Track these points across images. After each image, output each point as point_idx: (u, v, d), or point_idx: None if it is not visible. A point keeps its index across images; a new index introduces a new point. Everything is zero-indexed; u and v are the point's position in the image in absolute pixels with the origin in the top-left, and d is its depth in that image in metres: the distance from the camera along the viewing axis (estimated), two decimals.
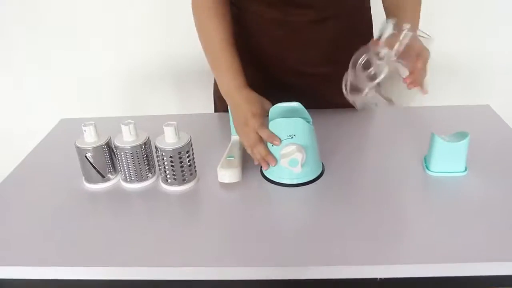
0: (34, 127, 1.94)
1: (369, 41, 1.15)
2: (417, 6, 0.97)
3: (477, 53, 1.76)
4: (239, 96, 0.90)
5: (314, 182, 0.87)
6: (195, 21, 1.01)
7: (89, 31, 1.78)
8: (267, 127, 0.84)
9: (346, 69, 1.10)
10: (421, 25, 1.68)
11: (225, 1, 0.99)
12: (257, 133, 0.85)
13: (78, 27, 1.77)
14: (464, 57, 1.77)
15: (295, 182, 0.86)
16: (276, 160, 0.84)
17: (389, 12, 0.98)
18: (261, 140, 0.85)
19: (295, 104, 0.84)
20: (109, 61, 1.86)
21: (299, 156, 0.81)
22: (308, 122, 0.84)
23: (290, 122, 0.83)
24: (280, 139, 0.82)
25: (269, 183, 0.87)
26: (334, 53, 1.00)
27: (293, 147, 0.82)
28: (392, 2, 0.98)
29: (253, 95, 0.90)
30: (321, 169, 0.90)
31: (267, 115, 0.86)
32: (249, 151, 0.88)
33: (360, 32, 1.08)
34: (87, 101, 1.95)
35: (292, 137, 0.83)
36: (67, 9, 1.73)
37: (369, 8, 1.09)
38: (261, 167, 0.90)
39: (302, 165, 0.82)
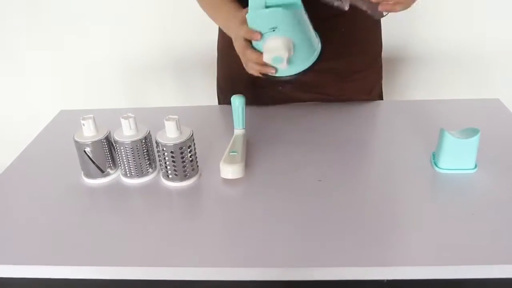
0: (34, 114, 1.93)
1: (374, 49, 1.12)
2: None
3: (485, 44, 1.73)
4: (232, 18, 0.85)
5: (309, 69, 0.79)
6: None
7: (91, 19, 1.75)
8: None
9: (353, 62, 1.08)
10: (425, 17, 1.65)
11: None
12: (244, 40, 0.78)
13: (80, 15, 1.74)
14: (472, 48, 1.73)
15: (288, 74, 0.78)
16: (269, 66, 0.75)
17: None
18: (249, 45, 0.78)
19: None
20: (111, 50, 1.83)
21: (283, 54, 0.71)
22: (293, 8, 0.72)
23: (270, 13, 0.71)
24: (260, 33, 0.72)
25: (274, 176, 0.85)
26: (343, 47, 0.98)
27: (277, 42, 0.71)
28: None
29: (243, 10, 0.83)
30: (316, 52, 0.80)
31: None
32: (249, 70, 0.82)
33: (367, 25, 1.05)
34: (88, 89, 1.93)
35: (273, 30, 0.72)
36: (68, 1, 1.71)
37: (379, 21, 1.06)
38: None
39: (290, 60, 0.73)
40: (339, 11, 0.93)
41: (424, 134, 0.96)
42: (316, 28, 0.86)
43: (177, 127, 0.80)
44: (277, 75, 0.79)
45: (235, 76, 1.12)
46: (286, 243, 0.70)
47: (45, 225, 0.77)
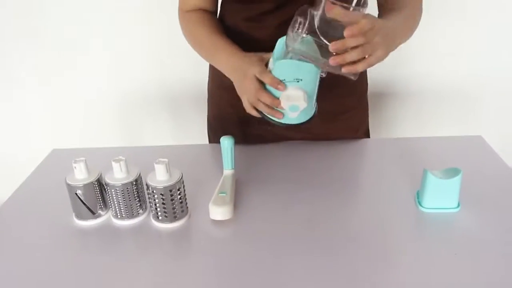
0: (28, 149, 1.94)
1: (361, 88, 1.15)
2: (410, 19, 0.92)
3: (469, 78, 1.78)
4: (236, 60, 0.88)
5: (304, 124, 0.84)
6: (185, 34, 1.02)
7: (86, 55, 1.79)
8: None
9: (344, 104, 1.09)
10: (412, 50, 1.70)
11: (213, 17, 1.01)
12: (257, 81, 0.81)
13: (76, 51, 1.78)
14: (456, 82, 1.78)
15: (287, 122, 0.82)
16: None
17: (384, 12, 0.94)
18: (263, 88, 0.81)
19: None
20: (105, 86, 1.86)
21: (302, 105, 0.77)
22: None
23: (300, 65, 0.76)
24: (284, 84, 0.76)
25: (262, 216, 0.87)
26: (332, 89, 0.99)
27: (300, 93, 0.77)
28: (388, 7, 0.94)
29: (250, 53, 0.88)
30: (314, 111, 0.86)
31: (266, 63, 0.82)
32: (252, 112, 0.84)
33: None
34: (82, 124, 1.95)
35: (298, 81, 0.77)
36: (65, 34, 1.74)
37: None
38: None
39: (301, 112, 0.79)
40: None
41: (409, 172, 0.99)
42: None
43: (167, 170, 0.82)
44: (281, 121, 0.82)
45: (225, 116, 1.15)
46: (275, 284, 0.71)
47: (35, 267, 0.77)
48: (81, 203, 0.85)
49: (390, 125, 1.88)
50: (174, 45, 1.71)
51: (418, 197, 0.89)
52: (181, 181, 0.83)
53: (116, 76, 1.84)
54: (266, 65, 0.83)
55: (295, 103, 0.77)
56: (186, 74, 1.79)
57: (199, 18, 1.01)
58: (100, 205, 0.88)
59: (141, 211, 0.88)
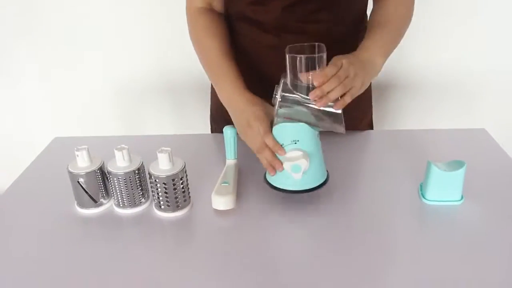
0: (30, 138, 1.94)
1: None
2: (397, 34, 0.97)
3: (473, 73, 1.77)
4: (240, 100, 0.89)
5: (316, 190, 0.84)
6: (193, 43, 1.01)
7: (87, 45, 1.78)
8: (271, 132, 0.83)
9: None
10: (415, 46, 1.69)
11: (221, 21, 0.99)
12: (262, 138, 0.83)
13: (76, 41, 1.77)
14: (459, 75, 1.77)
15: (297, 188, 0.83)
16: (282, 165, 0.81)
17: (369, 28, 0.97)
18: (266, 145, 0.83)
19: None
20: (106, 75, 1.86)
21: (303, 163, 0.79)
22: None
23: (294, 127, 0.81)
24: (284, 149, 0.80)
25: (265, 207, 0.87)
26: None
27: (299, 153, 0.80)
28: (376, 19, 0.98)
29: (255, 98, 0.89)
30: (326, 177, 0.87)
31: (271, 119, 0.84)
32: (257, 155, 0.86)
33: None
34: (83, 113, 1.95)
35: (295, 142, 0.81)
36: (66, 25, 1.73)
37: (365, 27, 1.09)
38: (265, 174, 0.89)
39: (304, 172, 0.81)
40: (325, 40, 0.97)
41: (412, 164, 0.98)
42: None
43: (170, 159, 0.82)
44: (289, 188, 0.84)
45: None
46: (277, 275, 0.71)
47: (37, 255, 0.77)
48: (83, 191, 0.85)
49: (393, 117, 1.88)
50: (176, 34, 1.71)
51: (421, 189, 0.89)
52: (183, 170, 0.83)
53: (117, 66, 1.83)
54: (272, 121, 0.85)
55: (296, 163, 0.79)
56: (188, 63, 1.78)
57: (208, 25, 0.99)
58: (102, 193, 0.88)
59: (143, 200, 0.88)
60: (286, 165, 0.80)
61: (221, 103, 1.17)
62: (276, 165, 0.82)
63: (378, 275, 0.71)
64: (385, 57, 0.92)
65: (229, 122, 0.96)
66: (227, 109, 0.94)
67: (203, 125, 1.30)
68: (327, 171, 0.89)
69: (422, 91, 1.81)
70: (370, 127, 1.25)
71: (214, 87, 1.00)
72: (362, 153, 1.08)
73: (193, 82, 1.81)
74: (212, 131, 1.25)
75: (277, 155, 0.82)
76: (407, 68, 1.77)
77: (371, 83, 1.20)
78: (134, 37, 1.77)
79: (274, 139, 0.82)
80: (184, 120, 1.94)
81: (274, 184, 0.86)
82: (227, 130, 0.94)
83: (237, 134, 0.94)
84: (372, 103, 1.25)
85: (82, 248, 0.79)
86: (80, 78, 1.86)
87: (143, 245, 0.79)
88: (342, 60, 0.80)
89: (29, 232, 0.83)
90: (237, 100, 0.90)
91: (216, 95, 1.18)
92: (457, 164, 0.85)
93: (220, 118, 1.17)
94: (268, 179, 0.88)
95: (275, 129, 0.83)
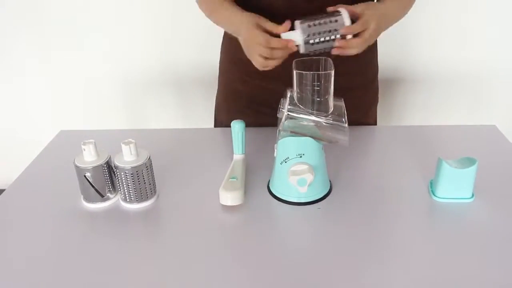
0: (35, 131, 1.94)
1: (370, 71, 1.15)
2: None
3: (482, 67, 1.75)
4: (239, 17, 0.92)
5: (319, 203, 0.86)
6: (202, 9, 1.03)
7: (91, 37, 1.77)
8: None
9: (349, 77, 1.09)
10: (424, 40, 1.67)
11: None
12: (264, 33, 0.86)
13: (80, 33, 1.76)
14: (468, 71, 1.76)
15: (302, 200, 0.85)
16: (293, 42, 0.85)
17: None
18: (273, 48, 0.85)
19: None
20: (111, 67, 1.85)
21: (308, 177, 0.80)
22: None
23: (300, 141, 0.82)
24: (294, 41, 0.84)
25: (272, 203, 0.86)
26: (339, 62, 0.99)
27: (304, 167, 0.81)
28: None
29: (253, 17, 0.90)
30: (329, 188, 0.89)
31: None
32: (264, 65, 0.88)
33: (361, 59, 1.07)
34: (88, 106, 1.94)
35: (300, 156, 0.82)
36: (69, 18, 1.72)
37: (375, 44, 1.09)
38: (268, 184, 0.89)
39: (309, 186, 0.81)
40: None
41: (422, 161, 0.97)
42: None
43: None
44: (292, 200, 0.86)
45: (235, 94, 1.13)
46: (284, 272, 0.70)
47: (43, 249, 0.77)
48: (89, 185, 0.84)
49: (399, 113, 1.86)
50: (180, 27, 1.70)
51: (432, 186, 0.88)
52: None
53: (121, 59, 1.82)
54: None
55: (302, 177, 0.80)
56: (193, 56, 1.77)
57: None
58: (109, 188, 0.87)
59: (150, 194, 0.87)
60: (292, 178, 0.81)
61: (229, 90, 1.16)
62: (291, 46, 0.85)
63: (388, 273, 0.70)
64: (394, 20, 0.98)
65: (235, 112, 0.95)
66: (237, 35, 0.95)
67: (207, 118, 1.28)
68: (330, 181, 0.90)
69: (429, 87, 1.79)
70: (374, 122, 1.24)
71: (221, 25, 1.03)
72: (370, 149, 1.07)
73: (198, 75, 1.80)
74: (215, 124, 1.24)
75: (281, 169, 0.83)
76: (414, 62, 1.75)
77: (378, 77, 1.19)
78: (138, 30, 1.76)
79: (278, 39, 0.85)
80: (187, 113, 1.93)
81: (278, 195, 0.87)
82: (235, 125, 0.93)
83: (245, 129, 0.93)
84: (379, 98, 1.24)
85: (88, 243, 0.78)
86: (83, 72, 1.85)
87: (150, 239, 0.79)
88: (371, 24, 0.86)
89: (35, 227, 0.83)
90: (237, 19, 0.93)
91: (224, 81, 1.18)
92: (468, 161, 0.83)
93: (226, 107, 1.16)
94: (271, 190, 0.88)
95: (280, 143, 0.83)
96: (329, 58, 0.82)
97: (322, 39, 0.85)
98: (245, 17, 0.91)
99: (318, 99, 0.79)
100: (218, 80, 1.20)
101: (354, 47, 0.87)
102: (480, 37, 1.69)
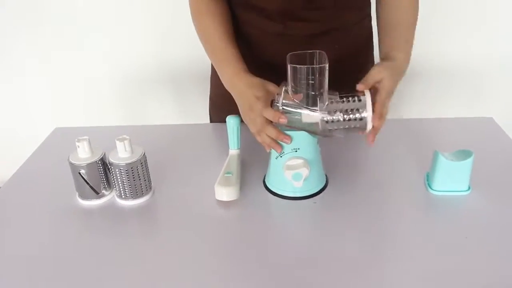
0: (31, 127, 1.93)
1: (367, 51, 1.14)
2: (411, 27, 0.95)
3: (480, 60, 1.74)
4: (241, 83, 0.87)
5: (315, 197, 0.85)
6: (195, 25, 0.99)
7: (88, 34, 1.76)
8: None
9: (346, 78, 1.09)
10: (422, 32, 1.67)
11: (223, 3, 0.97)
12: (263, 116, 0.81)
13: (77, 30, 1.75)
14: (466, 64, 1.75)
15: (298, 195, 0.85)
16: (290, 138, 0.80)
17: (382, 32, 0.96)
18: (269, 122, 0.81)
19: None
20: (107, 64, 1.84)
21: (304, 172, 0.80)
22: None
23: (294, 135, 0.81)
24: (286, 116, 0.78)
25: (268, 198, 0.86)
26: (336, 63, 0.98)
27: (299, 161, 0.81)
28: (387, 22, 0.96)
29: (255, 80, 0.87)
30: (324, 183, 0.88)
31: (273, 98, 0.83)
32: (258, 138, 0.85)
33: (359, 41, 1.06)
34: (84, 103, 1.93)
35: (296, 151, 0.81)
36: (66, 15, 1.71)
37: (370, 16, 1.07)
38: (264, 179, 0.88)
39: (304, 180, 0.81)
40: (331, 28, 0.95)
41: (418, 153, 0.97)
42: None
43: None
44: (288, 194, 0.86)
45: (228, 93, 1.13)
46: (281, 267, 0.70)
47: (38, 246, 0.76)
48: (84, 182, 0.84)
49: (396, 106, 1.86)
50: (177, 24, 1.69)
51: (428, 179, 0.87)
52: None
53: (117, 56, 1.81)
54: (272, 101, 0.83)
55: (297, 171, 0.80)
56: (189, 53, 1.76)
57: (209, 6, 0.96)
58: (104, 185, 0.86)
59: (145, 191, 0.86)
60: (287, 173, 0.80)
61: (223, 89, 1.16)
62: (282, 137, 0.80)
63: (384, 266, 0.70)
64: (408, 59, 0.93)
65: (229, 111, 0.94)
66: (230, 92, 0.92)
67: (204, 115, 1.28)
68: (326, 175, 0.90)
69: (426, 80, 1.79)
70: None
71: (215, 69, 0.98)
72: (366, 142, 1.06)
73: (194, 72, 1.79)
74: (211, 121, 1.23)
75: (277, 163, 0.81)
76: (411, 55, 1.74)
77: None
78: (134, 27, 1.75)
79: (274, 110, 0.79)
80: (184, 110, 1.92)
81: (273, 190, 0.87)
82: (230, 120, 0.92)
83: (241, 123, 0.93)
84: None
85: (84, 240, 0.78)
86: (80, 69, 1.84)
87: (146, 236, 0.79)
88: (385, 94, 0.81)
89: (30, 224, 0.82)
90: (238, 84, 0.88)
91: (216, 83, 1.17)
92: (464, 154, 0.83)
93: (220, 106, 1.16)
94: (267, 185, 0.88)
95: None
96: (323, 52, 0.80)
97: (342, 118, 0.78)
98: (243, 81, 0.87)
99: (313, 93, 0.78)
100: (211, 80, 1.20)
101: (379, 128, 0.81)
102: (477, 30, 1.68)
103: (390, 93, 0.82)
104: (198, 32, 0.98)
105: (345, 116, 0.77)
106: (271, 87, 0.85)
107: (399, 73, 0.87)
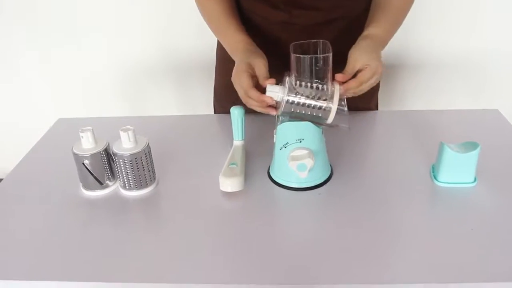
0: (34, 120, 1.93)
1: None
2: (400, 12, 0.94)
3: (484, 52, 1.73)
4: (238, 52, 0.89)
5: (320, 188, 0.85)
6: (198, 6, 0.99)
7: (90, 24, 1.75)
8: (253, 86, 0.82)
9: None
10: (426, 24, 1.65)
11: None
12: (246, 82, 0.82)
13: (79, 21, 1.74)
14: (470, 55, 1.74)
15: (303, 186, 0.84)
16: (274, 110, 0.81)
17: (370, 12, 0.95)
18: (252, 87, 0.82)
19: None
20: (109, 55, 1.83)
21: (308, 162, 0.79)
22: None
23: (299, 126, 0.81)
24: (271, 98, 0.79)
25: (273, 189, 0.85)
26: (340, 52, 0.98)
27: (304, 152, 0.80)
28: (376, 2, 0.95)
29: (250, 55, 0.87)
30: (329, 173, 0.88)
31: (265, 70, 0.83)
32: (243, 100, 0.85)
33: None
34: (87, 93, 1.93)
35: (300, 141, 0.81)
36: (67, 5, 1.70)
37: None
38: (268, 170, 0.88)
39: (309, 171, 0.80)
40: (336, 16, 0.94)
41: (423, 145, 0.96)
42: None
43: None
44: (294, 185, 0.85)
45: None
46: (285, 257, 0.70)
47: (42, 238, 0.76)
48: (88, 173, 0.84)
49: (400, 98, 1.85)
50: (179, 13, 1.68)
51: (434, 171, 0.87)
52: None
53: (119, 46, 1.80)
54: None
55: (301, 162, 0.79)
56: (192, 43, 1.75)
57: None
58: (108, 175, 0.86)
59: (150, 181, 0.86)
60: (292, 163, 0.80)
61: (228, 81, 1.15)
62: (269, 111, 0.81)
63: (389, 258, 0.69)
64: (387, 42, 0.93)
65: (233, 101, 0.94)
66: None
67: (208, 106, 1.27)
68: (330, 165, 0.89)
69: (431, 71, 1.77)
70: (376, 107, 1.23)
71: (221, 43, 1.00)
72: (371, 134, 1.06)
73: (198, 62, 1.78)
74: (215, 112, 1.23)
75: (282, 154, 0.82)
76: (415, 47, 1.73)
77: None
78: (137, 17, 1.73)
79: (256, 92, 0.80)
80: (188, 100, 1.92)
81: (278, 181, 0.86)
82: (234, 111, 0.92)
83: (244, 114, 0.92)
84: (380, 83, 1.22)
85: (87, 231, 0.78)
86: (82, 59, 1.83)
87: (150, 227, 0.78)
88: (374, 72, 0.81)
89: (34, 215, 0.82)
90: (236, 55, 0.90)
91: (220, 73, 1.16)
92: (470, 146, 0.82)
93: (225, 96, 1.15)
94: (272, 176, 0.88)
95: (280, 127, 0.82)
96: (327, 41, 0.80)
97: (305, 102, 0.78)
98: (240, 51, 0.89)
99: (315, 83, 0.78)
100: (215, 70, 1.19)
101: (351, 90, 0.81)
102: (482, 22, 1.67)
103: (374, 69, 0.81)
104: (201, 12, 0.99)
105: (308, 101, 0.77)
106: (259, 70, 0.84)
107: (376, 49, 0.85)
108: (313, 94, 0.77)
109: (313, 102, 0.77)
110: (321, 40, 0.80)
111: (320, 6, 0.93)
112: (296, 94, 0.77)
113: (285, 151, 0.82)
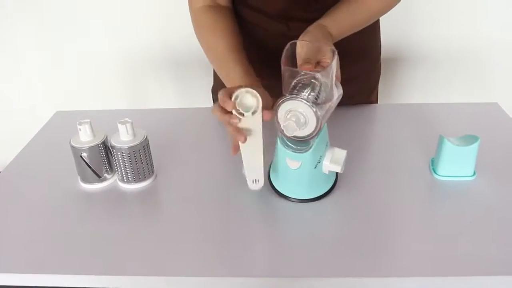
0: (32, 112, 1.92)
1: (374, 53, 1.12)
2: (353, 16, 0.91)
3: (483, 45, 1.72)
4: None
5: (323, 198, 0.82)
6: (198, 38, 0.97)
7: (89, 17, 1.74)
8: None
9: (358, 70, 1.07)
10: (425, 17, 1.64)
11: (226, 17, 0.94)
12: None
13: (78, 13, 1.73)
14: (470, 48, 1.73)
15: (305, 197, 0.80)
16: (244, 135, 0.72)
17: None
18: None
19: None
20: (108, 48, 1.82)
21: (339, 169, 0.77)
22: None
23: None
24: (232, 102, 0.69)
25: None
26: (346, 55, 0.97)
27: (342, 154, 0.78)
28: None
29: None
30: (333, 183, 0.83)
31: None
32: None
33: (365, 44, 1.06)
34: (85, 87, 1.92)
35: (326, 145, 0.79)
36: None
37: (378, 23, 1.07)
38: (269, 167, 0.85)
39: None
40: None
41: (423, 139, 0.96)
42: None
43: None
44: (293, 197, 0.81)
45: None
46: (284, 251, 0.69)
47: (40, 231, 0.76)
48: (86, 166, 0.83)
49: (400, 91, 1.84)
50: (178, 6, 1.66)
51: (433, 164, 0.86)
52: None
53: (118, 39, 1.79)
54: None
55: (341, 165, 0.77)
56: (191, 36, 1.73)
57: (212, 24, 0.94)
58: (106, 168, 0.86)
59: (148, 175, 0.86)
60: (326, 163, 0.77)
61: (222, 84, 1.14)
62: (239, 136, 0.72)
63: (388, 250, 0.69)
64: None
65: None
66: None
67: (207, 98, 1.27)
68: (336, 174, 0.85)
69: (431, 64, 1.77)
70: (376, 100, 1.23)
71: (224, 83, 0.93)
72: (370, 127, 1.05)
73: (197, 55, 1.77)
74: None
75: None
76: (415, 40, 1.72)
77: (380, 56, 1.17)
78: (136, 9, 1.72)
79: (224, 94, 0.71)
80: (187, 93, 1.91)
81: (280, 191, 0.82)
82: None
83: None
84: (380, 77, 1.22)
85: (86, 224, 0.77)
86: (81, 52, 1.82)
87: (148, 220, 0.78)
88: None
89: (32, 208, 0.82)
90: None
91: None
92: (470, 139, 0.82)
93: None
94: (271, 178, 0.84)
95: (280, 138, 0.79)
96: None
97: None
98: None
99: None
100: (214, 72, 1.18)
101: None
102: (482, 15, 1.66)
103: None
104: (204, 49, 0.96)
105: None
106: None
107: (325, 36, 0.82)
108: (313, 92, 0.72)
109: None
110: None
111: (317, 19, 0.92)
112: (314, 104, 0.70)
113: (319, 151, 0.78)
